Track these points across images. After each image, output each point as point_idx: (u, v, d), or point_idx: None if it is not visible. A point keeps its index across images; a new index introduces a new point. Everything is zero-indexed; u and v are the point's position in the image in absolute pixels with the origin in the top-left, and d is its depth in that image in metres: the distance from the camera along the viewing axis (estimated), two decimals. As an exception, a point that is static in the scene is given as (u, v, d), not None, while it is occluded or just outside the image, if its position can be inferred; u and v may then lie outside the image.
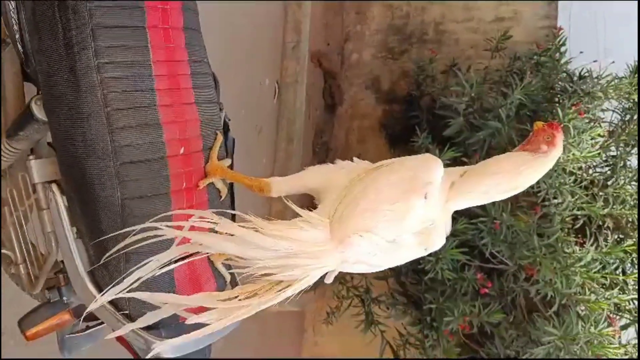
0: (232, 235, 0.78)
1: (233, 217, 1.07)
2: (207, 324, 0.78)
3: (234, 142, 1.14)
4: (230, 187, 1.11)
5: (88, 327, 1.01)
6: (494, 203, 2.37)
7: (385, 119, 3.36)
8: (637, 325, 1.97)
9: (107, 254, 0.82)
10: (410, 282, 2.54)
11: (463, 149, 2.57)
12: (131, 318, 0.86)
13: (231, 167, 1.17)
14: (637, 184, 2.25)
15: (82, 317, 0.83)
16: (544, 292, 2.11)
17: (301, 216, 0.82)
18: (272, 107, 2.93)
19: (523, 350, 2.25)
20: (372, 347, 2.49)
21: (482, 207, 2.31)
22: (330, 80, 3.39)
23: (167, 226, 0.78)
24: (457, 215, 2.46)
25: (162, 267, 0.79)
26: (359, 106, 3.44)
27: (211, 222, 0.78)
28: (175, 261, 0.81)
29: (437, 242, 0.88)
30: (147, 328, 0.85)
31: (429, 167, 0.88)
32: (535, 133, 0.90)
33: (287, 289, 0.79)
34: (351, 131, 3.44)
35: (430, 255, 2.35)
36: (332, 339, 2.98)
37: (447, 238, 2.46)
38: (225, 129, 1.11)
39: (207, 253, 0.80)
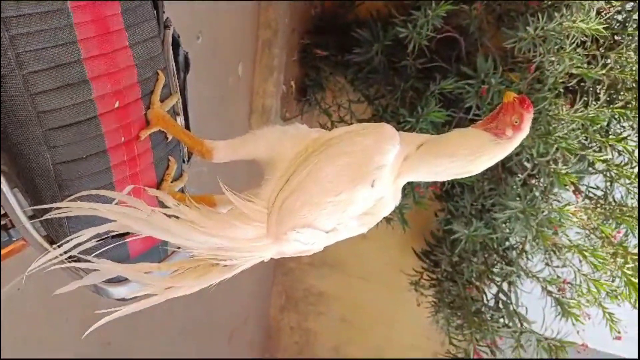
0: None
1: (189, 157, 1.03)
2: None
3: (186, 57, 1.04)
4: (182, 94, 1.04)
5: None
6: (486, 59, 2.25)
7: None
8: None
9: (47, 215, 0.80)
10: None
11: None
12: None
13: (187, 70, 1.09)
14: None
15: (25, 275, 0.83)
16: (518, 158, 2.13)
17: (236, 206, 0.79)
18: None
19: (490, 204, 2.37)
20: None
21: (473, 68, 2.20)
22: None
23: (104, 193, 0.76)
24: (445, 72, 2.36)
25: (99, 240, 0.79)
26: None
27: (143, 213, 0.75)
28: (113, 237, 0.81)
29: (382, 216, 0.86)
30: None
31: (383, 147, 0.81)
32: (504, 110, 0.81)
33: (225, 272, 0.80)
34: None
35: (411, 115, 2.31)
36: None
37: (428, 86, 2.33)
38: (175, 45, 1.01)
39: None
